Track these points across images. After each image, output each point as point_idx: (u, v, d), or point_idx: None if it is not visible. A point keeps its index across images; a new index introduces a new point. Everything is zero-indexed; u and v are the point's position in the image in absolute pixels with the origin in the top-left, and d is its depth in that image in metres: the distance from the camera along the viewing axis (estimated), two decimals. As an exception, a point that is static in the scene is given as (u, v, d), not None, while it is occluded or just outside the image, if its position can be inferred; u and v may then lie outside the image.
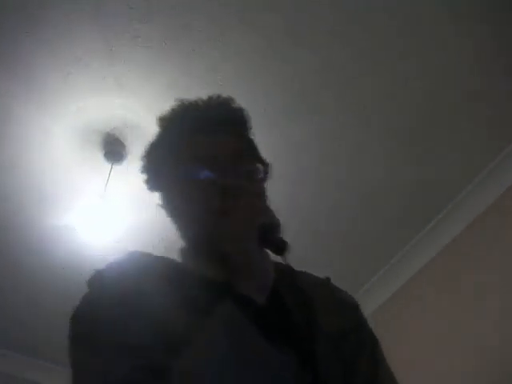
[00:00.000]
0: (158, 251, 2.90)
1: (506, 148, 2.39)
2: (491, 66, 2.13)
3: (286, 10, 2.00)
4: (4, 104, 2.33)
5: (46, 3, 2.00)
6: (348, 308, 0.92)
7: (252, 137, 1.01)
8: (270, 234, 0.77)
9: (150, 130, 2.68)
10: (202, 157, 0.88)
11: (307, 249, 2.83)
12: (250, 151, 0.97)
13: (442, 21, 2.01)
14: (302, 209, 2.69)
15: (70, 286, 3.18)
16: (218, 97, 0.98)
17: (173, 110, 1.00)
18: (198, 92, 2.46)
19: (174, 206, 0.95)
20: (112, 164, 2.51)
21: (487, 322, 2.21)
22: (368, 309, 2.62)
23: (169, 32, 2.07)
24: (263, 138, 2.72)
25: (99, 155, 2.51)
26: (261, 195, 0.90)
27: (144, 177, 0.99)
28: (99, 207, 2.48)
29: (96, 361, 0.71)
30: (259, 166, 0.94)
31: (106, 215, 2.52)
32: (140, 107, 2.33)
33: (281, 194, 2.67)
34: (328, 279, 0.94)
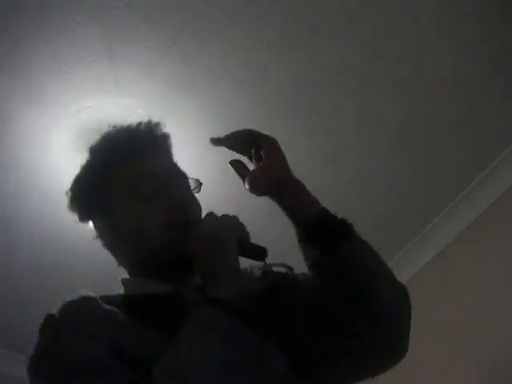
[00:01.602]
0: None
1: (506, 148, 2.39)
2: (491, 66, 2.13)
3: (285, 11, 2.00)
4: (4, 104, 2.33)
5: (46, 3, 2.00)
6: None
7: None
8: (248, 244, 0.85)
9: (150, 129, 2.63)
10: (144, 175, 0.92)
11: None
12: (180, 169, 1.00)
13: (442, 21, 2.02)
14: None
15: (70, 285, 3.18)
16: (148, 122, 1.01)
17: (102, 137, 1.01)
18: (200, 91, 2.47)
19: (115, 230, 0.95)
20: (112, 164, 2.51)
21: (487, 322, 2.22)
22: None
23: (169, 32, 2.07)
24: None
25: (99, 155, 2.51)
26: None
27: (73, 210, 1.03)
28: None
29: None
30: (192, 180, 1.00)
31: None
32: (140, 107, 2.33)
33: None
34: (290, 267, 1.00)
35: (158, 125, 1.01)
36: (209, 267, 0.80)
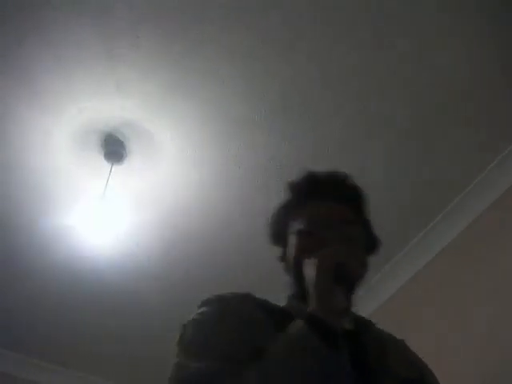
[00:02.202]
0: (157, 251, 2.92)
1: (506, 148, 2.39)
2: (491, 65, 2.13)
3: (285, 11, 2.00)
4: (5, 105, 2.33)
5: (47, 5, 2.00)
6: (417, 364, 1.08)
7: (367, 216, 1.17)
8: (342, 271, 0.90)
9: (150, 130, 2.68)
10: (314, 216, 1.06)
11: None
12: (358, 220, 1.12)
13: (442, 21, 2.01)
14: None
15: (69, 285, 3.19)
16: (341, 173, 1.15)
17: (302, 178, 1.14)
18: (198, 92, 2.47)
19: (288, 256, 1.09)
20: (112, 164, 2.51)
21: (487, 322, 2.21)
22: (368, 309, 2.62)
23: (169, 32, 2.07)
24: (263, 137, 2.73)
25: (99, 155, 2.51)
26: (355, 252, 1.00)
27: (268, 232, 1.18)
28: (99, 207, 2.48)
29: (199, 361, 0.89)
30: (362, 233, 1.10)
31: (106, 215, 2.52)
32: (140, 108, 2.33)
33: (280, 193, 2.67)
34: (403, 340, 1.11)
35: (347, 177, 1.16)
36: (313, 292, 0.90)
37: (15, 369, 3.62)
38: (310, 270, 0.92)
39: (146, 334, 3.48)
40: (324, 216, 1.06)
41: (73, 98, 2.30)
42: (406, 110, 2.30)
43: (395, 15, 2.00)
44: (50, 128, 2.42)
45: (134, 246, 2.92)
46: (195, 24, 2.05)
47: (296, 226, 1.08)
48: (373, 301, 2.81)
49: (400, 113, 2.31)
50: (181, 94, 2.27)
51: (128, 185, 2.65)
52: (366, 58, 2.13)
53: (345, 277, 0.90)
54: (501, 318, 2.16)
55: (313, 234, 1.03)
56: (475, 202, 2.55)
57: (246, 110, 2.31)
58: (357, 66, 2.16)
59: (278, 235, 1.15)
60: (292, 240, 1.07)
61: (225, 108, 2.31)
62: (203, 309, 1.04)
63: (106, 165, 2.52)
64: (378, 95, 2.25)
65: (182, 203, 2.72)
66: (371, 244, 1.12)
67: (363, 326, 1.02)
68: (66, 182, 2.64)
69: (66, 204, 2.70)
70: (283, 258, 1.12)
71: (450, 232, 2.66)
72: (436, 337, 2.41)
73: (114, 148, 2.47)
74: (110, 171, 2.51)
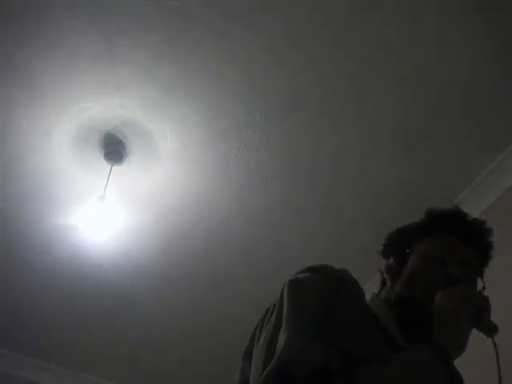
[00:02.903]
0: (157, 251, 2.92)
1: (506, 148, 2.39)
2: (491, 65, 2.13)
3: (285, 12, 2.00)
4: (5, 105, 2.33)
5: (47, 5, 2.00)
6: None
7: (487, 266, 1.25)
8: (483, 317, 1.00)
9: (150, 130, 2.67)
10: (452, 250, 1.12)
11: (305, 249, 2.83)
12: (480, 268, 1.20)
13: (442, 20, 2.01)
14: (301, 209, 2.69)
15: (69, 285, 3.19)
16: (482, 222, 1.23)
17: (446, 210, 1.21)
18: (198, 92, 2.46)
19: (412, 272, 1.12)
20: (112, 164, 2.51)
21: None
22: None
23: (169, 33, 2.07)
24: (263, 137, 2.72)
25: (99, 155, 2.51)
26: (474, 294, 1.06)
27: (385, 242, 1.25)
28: (99, 207, 2.48)
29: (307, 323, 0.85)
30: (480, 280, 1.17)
31: (106, 215, 2.52)
32: (140, 108, 2.33)
33: (280, 193, 2.67)
34: None
35: (489, 230, 1.25)
36: (445, 325, 0.95)
37: (15, 369, 3.62)
38: (446, 301, 0.97)
39: (146, 334, 3.48)
40: (465, 262, 1.12)
41: (73, 98, 2.30)
42: (405, 109, 2.30)
43: (395, 15, 2.00)
44: (50, 128, 2.42)
45: (134, 245, 2.92)
46: (195, 24, 2.05)
47: (427, 251, 1.13)
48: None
49: (400, 113, 2.31)
50: (181, 94, 2.27)
51: (128, 185, 2.65)
52: (365, 58, 2.13)
53: (479, 322, 0.99)
54: (501, 318, 2.16)
55: (444, 266, 1.09)
56: (475, 202, 2.55)
57: (245, 110, 2.31)
58: (356, 66, 2.16)
59: (396, 250, 1.20)
60: (415, 261, 1.12)
61: (225, 108, 2.31)
62: (318, 276, 0.96)
63: (105, 165, 2.52)
64: (378, 95, 2.25)
65: (182, 203, 2.72)
66: None
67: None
68: (66, 182, 2.64)
69: (66, 204, 2.70)
70: (393, 273, 1.16)
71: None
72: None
73: (113, 148, 2.47)
74: (110, 171, 2.51)
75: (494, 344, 1.04)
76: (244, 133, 2.39)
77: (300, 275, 0.97)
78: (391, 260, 1.19)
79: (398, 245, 1.21)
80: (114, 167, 2.52)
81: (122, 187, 2.65)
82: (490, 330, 1.05)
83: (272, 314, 0.92)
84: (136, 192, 2.68)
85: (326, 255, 2.76)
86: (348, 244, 2.78)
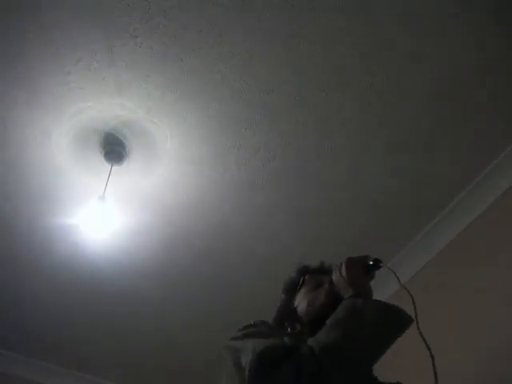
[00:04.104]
0: (157, 251, 2.92)
1: (506, 148, 2.39)
2: (492, 65, 2.13)
3: (285, 11, 2.00)
4: (5, 105, 2.33)
5: (47, 5, 2.00)
6: None
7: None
8: (367, 266, 1.50)
9: (150, 130, 2.67)
10: (319, 279, 1.56)
11: (305, 248, 2.83)
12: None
13: (442, 20, 2.01)
14: (301, 208, 2.69)
15: (69, 285, 3.19)
16: (325, 262, 1.70)
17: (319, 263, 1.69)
18: (198, 92, 2.46)
19: (300, 304, 1.49)
20: (112, 164, 2.51)
21: (487, 322, 2.21)
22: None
23: (168, 32, 2.07)
24: (263, 137, 2.72)
25: (99, 155, 2.51)
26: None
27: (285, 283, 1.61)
28: (99, 207, 2.48)
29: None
30: None
31: (106, 215, 2.52)
32: (140, 108, 2.33)
33: (280, 193, 2.67)
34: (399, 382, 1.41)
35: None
36: (352, 285, 1.39)
37: (15, 369, 3.62)
38: (339, 276, 1.43)
39: (146, 334, 3.49)
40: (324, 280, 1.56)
41: (73, 98, 2.30)
42: (405, 109, 2.30)
43: (395, 15, 2.00)
44: (50, 128, 2.42)
45: (134, 245, 2.93)
46: (195, 24, 2.05)
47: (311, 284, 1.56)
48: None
49: (400, 112, 2.31)
50: (181, 94, 2.27)
51: (128, 185, 2.65)
52: (365, 57, 2.13)
53: (368, 270, 1.43)
54: (501, 318, 2.16)
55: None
56: (475, 202, 2.55)
57: (246, 110, 2.31)
58: (356, 65, 2.16)
59: (290, 293, 1.57)
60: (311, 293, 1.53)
61: (225, 108, 2.32)
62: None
63: (105, 165, 2.52)
64: (378, 95, 2.25)
65: (182, 203, 2.72)
66: None
67: None
68: (66, 182, 2.64)
69: (66, 204, 2.70)
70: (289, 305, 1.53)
71: (450, 232, 2.66)
72: (435, 337, 2.41)
73: (113, 148, 2.47)
74: (110, 171, 2.51)
75: (428, 348, 1.29)
76: (244, 133, 2.40)
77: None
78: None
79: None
80: (113, 167, 2.52)
81: (122, 187, 2.65)
82: (376, 267, 1.44)
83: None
84: (136, 192, 2.68)
85: (326, 255, 2.75)
86: (348, 244, 2.78)
